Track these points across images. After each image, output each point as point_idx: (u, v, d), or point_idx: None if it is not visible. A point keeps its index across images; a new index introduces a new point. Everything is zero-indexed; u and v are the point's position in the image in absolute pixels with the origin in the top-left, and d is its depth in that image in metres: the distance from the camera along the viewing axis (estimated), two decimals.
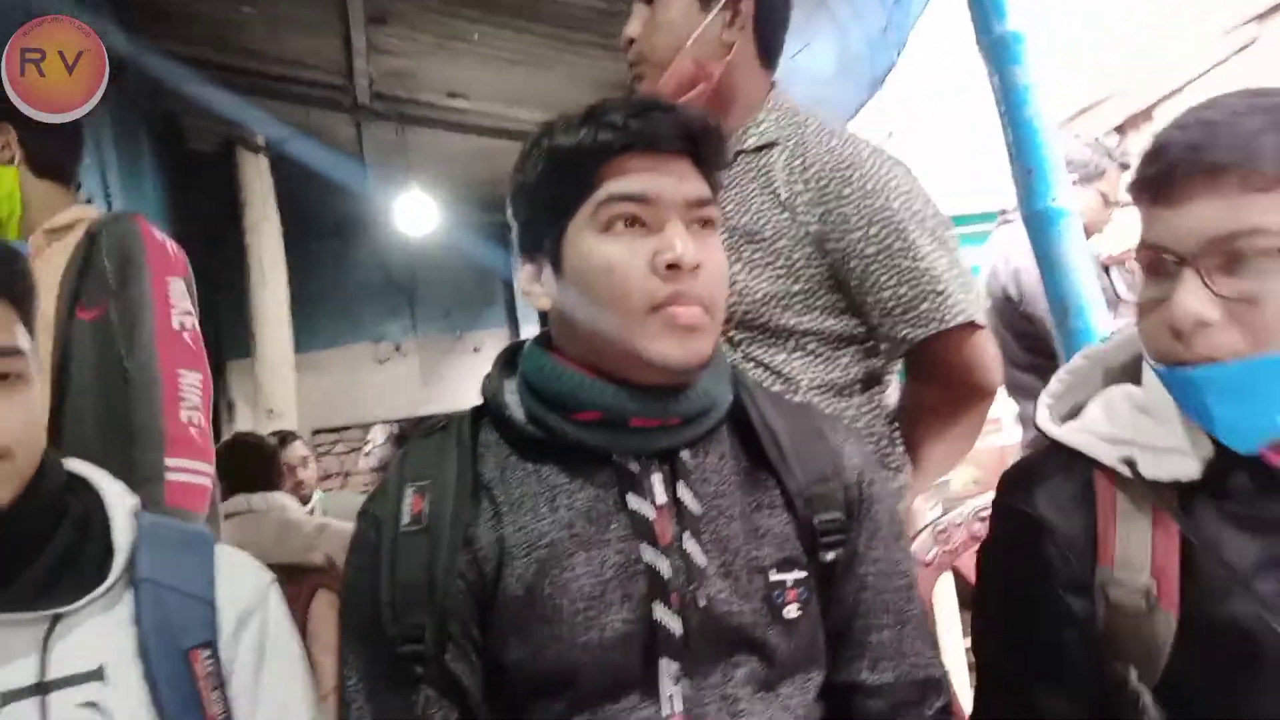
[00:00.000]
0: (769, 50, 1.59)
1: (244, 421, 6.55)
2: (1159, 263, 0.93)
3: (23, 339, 1.04)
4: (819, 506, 1.07)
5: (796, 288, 1.46)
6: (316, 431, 7.23)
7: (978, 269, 3.52)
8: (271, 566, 1.21)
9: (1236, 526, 0.94)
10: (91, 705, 1.00)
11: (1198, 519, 0.95)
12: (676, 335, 1.00)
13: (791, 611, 1.04)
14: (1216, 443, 0.94)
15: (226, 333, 6.75)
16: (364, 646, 1.02)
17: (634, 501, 1.02)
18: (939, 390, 1.49)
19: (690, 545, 1.01)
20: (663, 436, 1.05)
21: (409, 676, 0.98)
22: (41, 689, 0.98)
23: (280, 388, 5.57)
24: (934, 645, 1.13)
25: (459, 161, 6.40)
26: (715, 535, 1.03)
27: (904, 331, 1.44)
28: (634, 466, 1.04)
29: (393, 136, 5.78)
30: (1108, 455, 1.00)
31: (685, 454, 1.06)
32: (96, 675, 1.01)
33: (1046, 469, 1.05)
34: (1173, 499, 0.97)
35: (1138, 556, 0.96)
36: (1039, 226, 2.00)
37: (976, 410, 1.50)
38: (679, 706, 0.99)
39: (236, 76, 5.01)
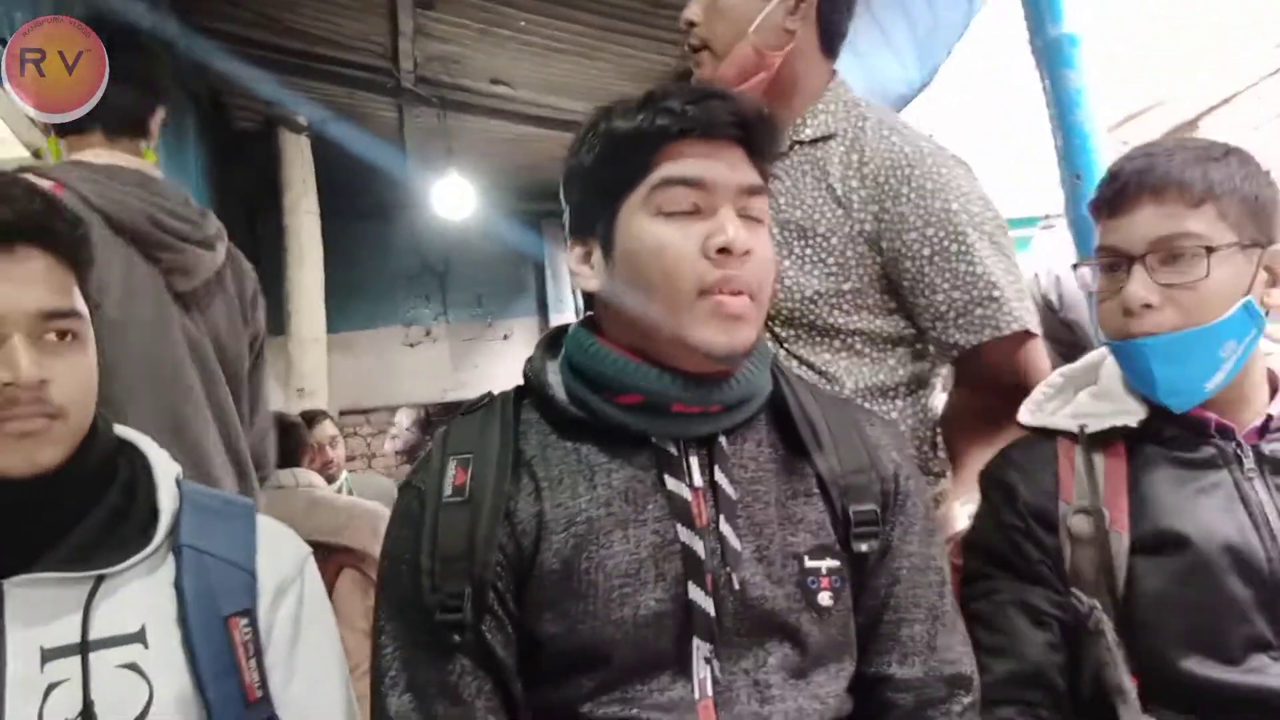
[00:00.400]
0: (831, 40, 1.54)
1: (275, 398, 6.59)
2: (1114, 262, 1.21)
3: (80, 302, 1.06)
4: (854, 497, 1.08)
5: (847, 286, 1.44)
6: (344, 413, 7.27)
7: None
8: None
9: (1174, 466, 1.22)
10: (131, 666, 1.01)
11: (1141, 461, 1.23)
12: (722, 323, 1.01)
13: (825, 599, 1.04)
14: (1150, 406, 1.23)
15: None
16: (401, 616, 1.03)
17: (671, 483, 1.03)
18: (988, 397, 1.45)
19: (726, 529, 1.02)
20: (703, 422, 1.06)
21: (445, 646, 0.99)
22: (83, 648, 1.00)
23: (312, 367, 5.60)
24: (964, 642, 1.13)
25: (499, 148, 6.42)
26: (751, 520, 1.05)
27: (956, 337, 1.42)
28: (672, 449, 1.05)
29: (434, 121, 5.80)
30: (1065, 423, 1.29)
31: (723, 439, 1.07)
32: (137, 637, 1.02)
33: (1021, 444, 1.34)
34: (1120, 448, 1.24)
35: (1090, 490, 1.22)
36: (1086, 232, 1.98)
37: None
38: (709, 690, 1.00)
39: (281, 56, 5.04)
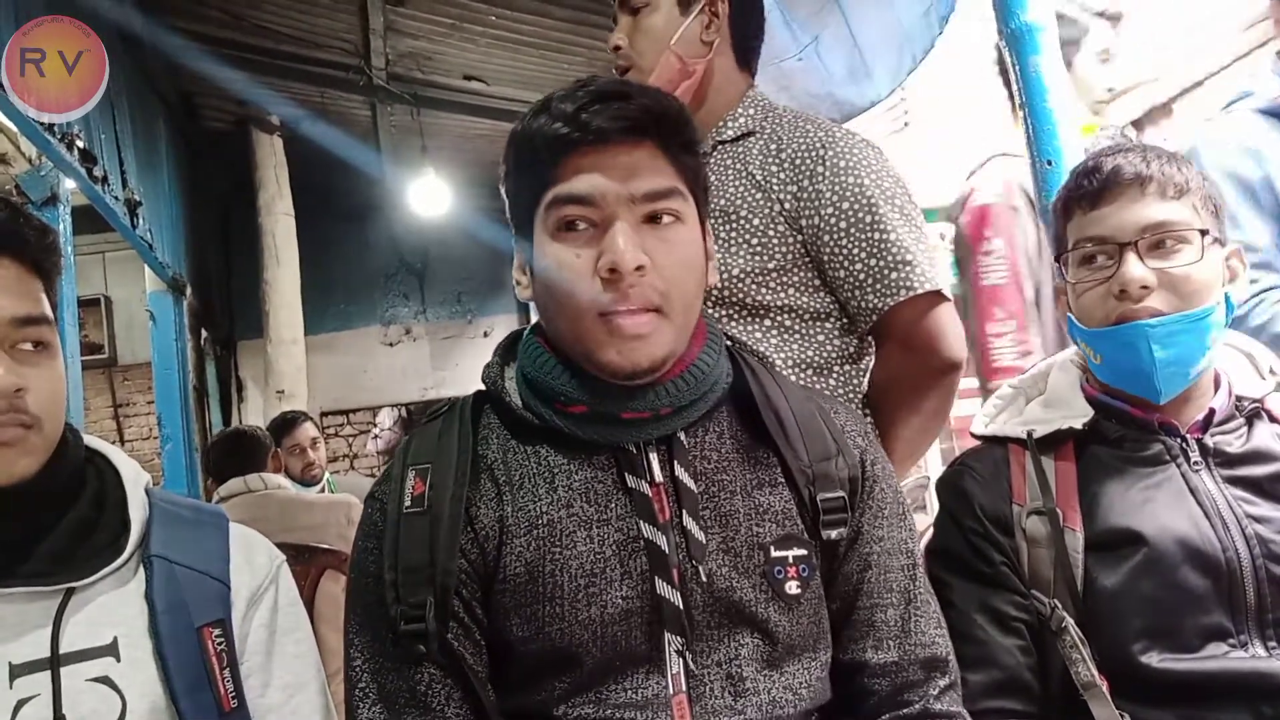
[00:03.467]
0: (744, 52, 1.68)
1: (254, 401, 6.57)
2: (1098, 251, 1.25)
3: (49, 310, 1.05)
4: (822, 485, 1.07)
5: (771, 265, 1.50)
6: (325, 414, 7.24)
7: None
8: (282, 545, 1.22)
9: (1122, 464, 1.26)
10: (103, 680, 1.00)
11: (1091, 462, 1.28)
12: (620, 344, 1.00)
13: (792, 588, 1.04)
14: (1097, 408, 1.29)
15: (238, 312, 6.78)
16: (369, 627, 1.02)
17: (631, 480, 1.03)
18: (908, 361, 1.52)
19: (689, 523, 1.02)
20: (655, 425, 1.05)
21: (413, 656, 0.98)
22: (54, 663, 0.99)
23: (290, 368, 5.58)
24: (939, 624, 1.13)
25: (474, 144, 6.39)
26: (716, 511, 1.04)
27: (874, 301, 1.49)
28: (631, 447, 1.04)
29: (408, 119, 5.77)
30: (1015, 430, 1.34)
31: (681, 434, 1.06)
32: (109, 650, 1.01)
33: (974, 453, 1.39)
34: (1069, 451, 1.29)
35: (1042, 492, 1.26)
36: None
37: (945, 382, 1.54)
38: (683, 685, 1.00)
39: (252, 55, 5.00)
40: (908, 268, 1.48)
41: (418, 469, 1.04)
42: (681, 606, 1.00)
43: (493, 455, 1.06)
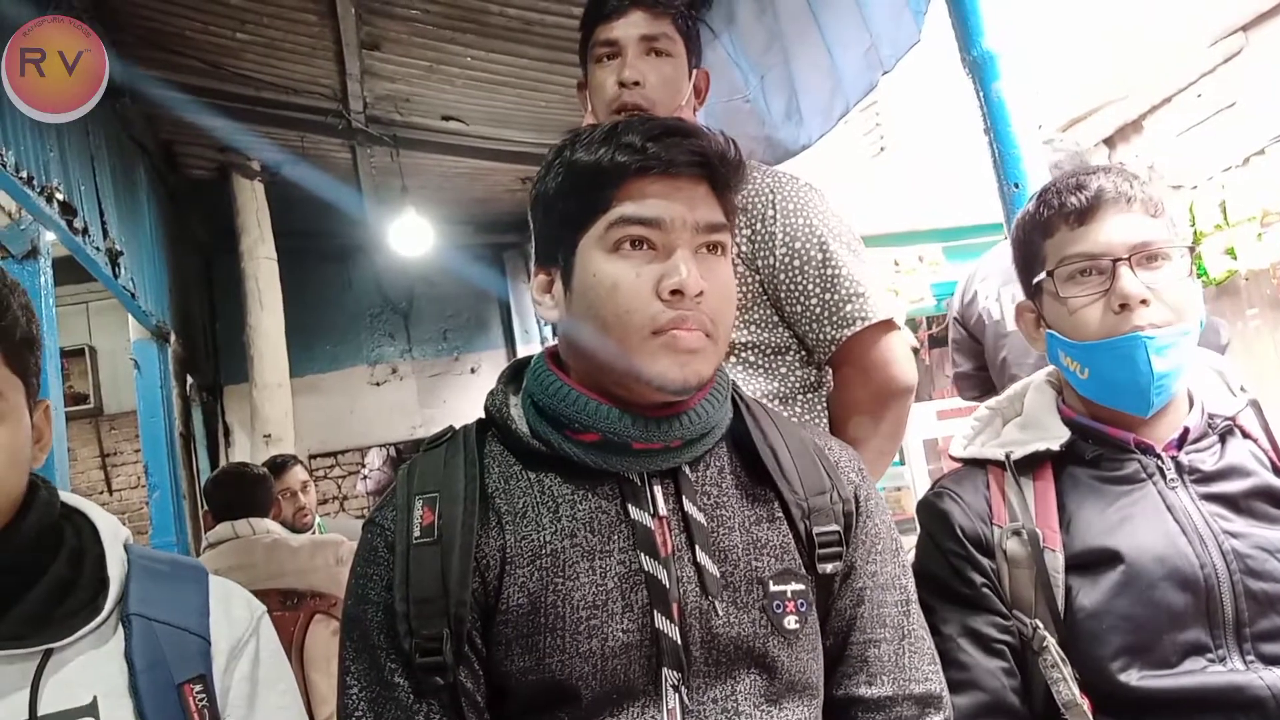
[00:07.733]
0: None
1: (241, 446, 6.53)
2: (1089, 267, 1.27)
3: (4, 380, 1.03)
4: (817, 519, 1.09)
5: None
6: (313, 456, 7.21)
7: (954, 285, 3.48)
8: (270, 591, 1.21)
9: (1100, 484, 1.28)
10: None
11: (1068, 482, 1.30)
12: (676, 357, 1.02)
13: (791, 623, 1.05)
14: (1073, 429, 1.31)
15: (223, 357, 6.75)
16: (368, 655, 1.01)
17: (635, 513, 1.04)
18: (864, 386, 1.60)
19: (702, 557, 1.03)
20: (664, 458, 1.06)
21: (417, 687, 0.98)
22: None
23: (277, 412, 5.55)
24: (933, 660, 1.13)
25: (454, 183, 6.41)
26: (716, 546, 1.05)
27: (831, 332, 1.59)
28: (635, 479, 1.06)
29: (388, 160, 5.78)
30: (993, 452, 1.36)
31: (686, 468, 1.07)
32: (88, 711, 1.00)
33: (953, 474, 1.41)
34: (1047, 472, 1.30)
35: (1021, 513, 1.28)
36: None
37: (897, 406, 1.62)
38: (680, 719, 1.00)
39: (231, 102, 5.01)
40: (860, 299, 1.58)
41: (425, 498, 1.04)
42: (679, 641, 1.00)
43: (494, 484, 1.07)
